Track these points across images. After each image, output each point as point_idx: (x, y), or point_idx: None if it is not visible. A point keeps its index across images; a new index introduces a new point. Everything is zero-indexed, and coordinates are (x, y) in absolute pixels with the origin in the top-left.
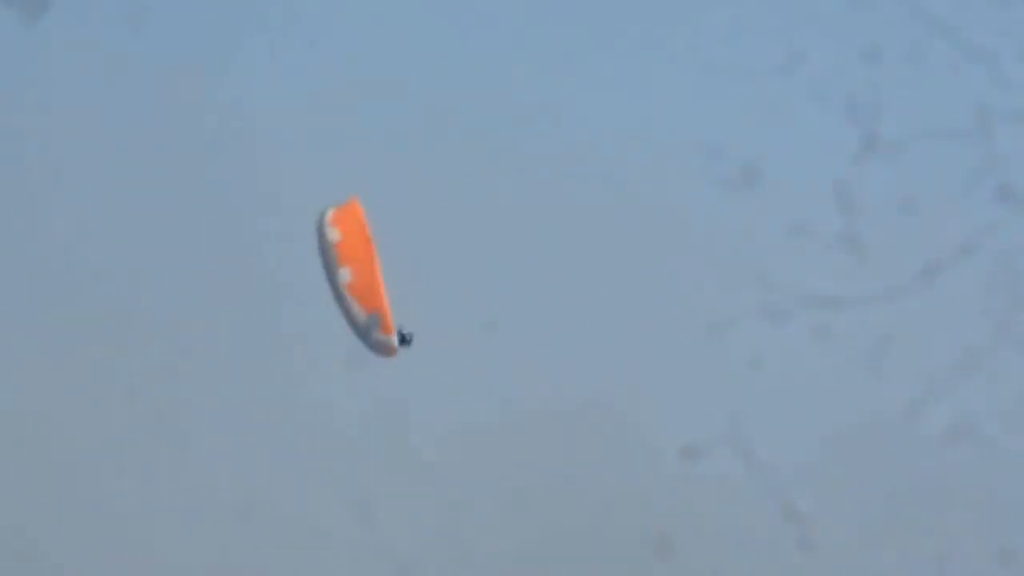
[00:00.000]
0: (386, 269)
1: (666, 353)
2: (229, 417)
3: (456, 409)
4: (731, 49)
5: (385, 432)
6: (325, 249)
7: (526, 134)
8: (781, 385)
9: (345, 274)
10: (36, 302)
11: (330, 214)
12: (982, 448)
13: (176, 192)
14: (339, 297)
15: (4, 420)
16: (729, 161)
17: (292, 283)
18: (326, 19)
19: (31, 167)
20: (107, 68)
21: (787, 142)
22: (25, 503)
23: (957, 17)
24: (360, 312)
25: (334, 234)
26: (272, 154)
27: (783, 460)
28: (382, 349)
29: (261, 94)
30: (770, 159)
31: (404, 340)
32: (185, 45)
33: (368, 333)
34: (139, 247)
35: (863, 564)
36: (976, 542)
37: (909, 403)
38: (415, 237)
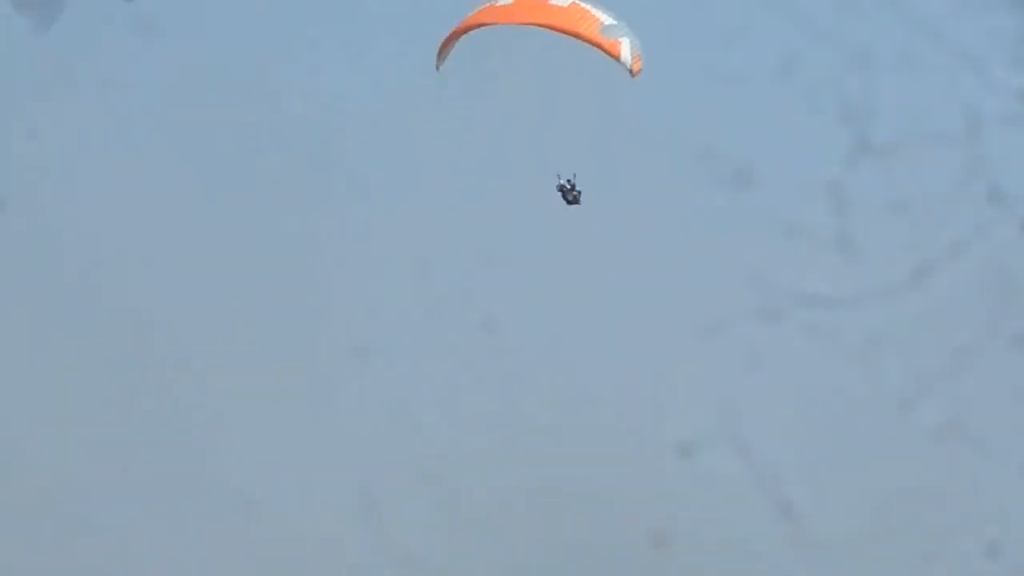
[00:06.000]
0: (388, 266)
1: (663, 352)
2: (232, 415)
3: (456, 408)
4: (726, 54)
5: (388, 430)
6: None
7: (523, 135)
8: (775, 384)
9: None
10: (50, 298)
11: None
12: (972, 445)
13: (182, 193)
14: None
15: (10, 415)
16: (724, 163)
17: (295, 281)
18: (330, 22)
19: (41, 170)
20: (117, 74)
21: (781, 145)
22: (34, 497)
23: (946, 22)
24: None
25: None
26: (278, 155)
27: (777, 457)
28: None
29: (266, 100)
30: (764, 161)
31: (570, 194)
32: (194, 53)
33: None
34: (147, 246)
35: (855, 559)
36: (967, 537)
37: (901, 401)
38: (417, 236)
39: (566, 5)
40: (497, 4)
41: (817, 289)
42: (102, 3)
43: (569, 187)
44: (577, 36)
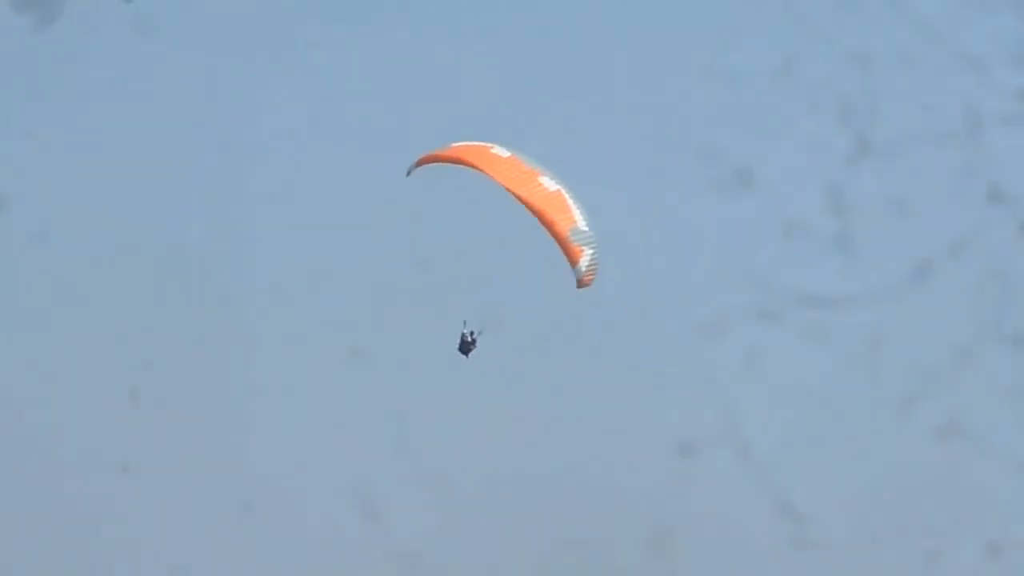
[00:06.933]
0: (388, 265)
1: (663, 352)
2: (231, 415)
3: (456, 407)
4: (726, 55)
5: (387, 430)
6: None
7: (524, 137)
8: (775, 383)
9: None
10: (50, 296)
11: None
12: (972, 444)
13: (181, 190)
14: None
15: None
16: (724, 164)
17: (296, 282)
18: (327, 23)
19: (39, 167)
20: (114, 73)
21: (781, 145)
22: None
23: (946, 22)
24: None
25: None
26: (274, 154)
27: (777, 457)
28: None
29: (263, 100)
30: (764, 162)
31: (469, 343)
32: (190, 53)
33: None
34: (145, 243)
35: (855, 559)
36: (966, 537)
37: (900, 400)
38: (416, 234)
39: (552, 190)
40: (492, 150)
41: (817, 289)
42: (101, 3)
43: (470, 340)
44: (550, 227)
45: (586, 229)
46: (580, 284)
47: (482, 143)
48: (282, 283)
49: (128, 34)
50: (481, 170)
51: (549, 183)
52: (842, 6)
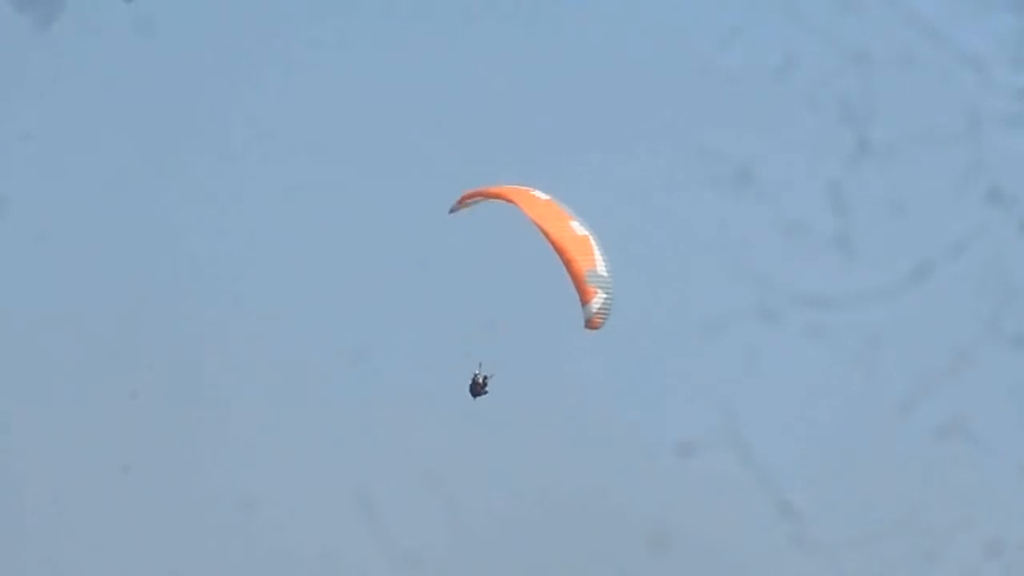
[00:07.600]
0: (388, 266)
1: (663, 351)
2: (231, 416)
3: (456, 407)
4: (726, 54)
5: (388, 431)
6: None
7: (524, 137)
8: (775, 383)
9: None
10: (50, 296)
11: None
12: (972, 444)
13: (182, 192)
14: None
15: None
16: (724, 163)
17: (297, 284)
18: (327, 24)
19: (39, 167)
20: (114, 73)
21: (781, 145)
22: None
23: (947, 23)
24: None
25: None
26: (275, 154)
27: (777, 457)
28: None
29: (264, 100)
30: (764, 161)
31: (480, 385)
32: (190, 53)
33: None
34: (144, 242)
35: (855, 559)
36: (966, 537)
37: (900, 400)
38: (416, 235)
39: (580, 234)
40: (532, 192)
41: (817, 289)
42: (101, 3)
43: (481, 382)
44: (569, 264)
45: (605, 274)
46: (589, 325)
47: (523, 186)
48: (283, 284)
49: (128, 34)
50: (517, 205)
51: (579, 228)
52: (842, 6)
